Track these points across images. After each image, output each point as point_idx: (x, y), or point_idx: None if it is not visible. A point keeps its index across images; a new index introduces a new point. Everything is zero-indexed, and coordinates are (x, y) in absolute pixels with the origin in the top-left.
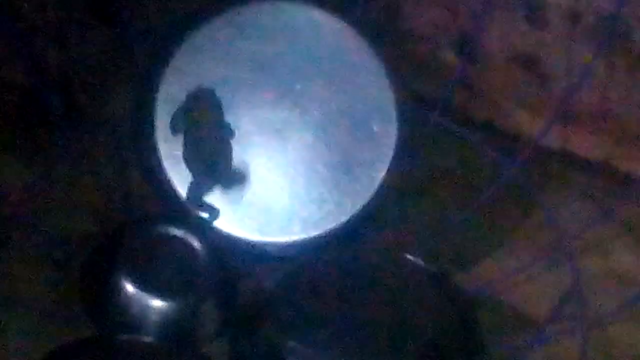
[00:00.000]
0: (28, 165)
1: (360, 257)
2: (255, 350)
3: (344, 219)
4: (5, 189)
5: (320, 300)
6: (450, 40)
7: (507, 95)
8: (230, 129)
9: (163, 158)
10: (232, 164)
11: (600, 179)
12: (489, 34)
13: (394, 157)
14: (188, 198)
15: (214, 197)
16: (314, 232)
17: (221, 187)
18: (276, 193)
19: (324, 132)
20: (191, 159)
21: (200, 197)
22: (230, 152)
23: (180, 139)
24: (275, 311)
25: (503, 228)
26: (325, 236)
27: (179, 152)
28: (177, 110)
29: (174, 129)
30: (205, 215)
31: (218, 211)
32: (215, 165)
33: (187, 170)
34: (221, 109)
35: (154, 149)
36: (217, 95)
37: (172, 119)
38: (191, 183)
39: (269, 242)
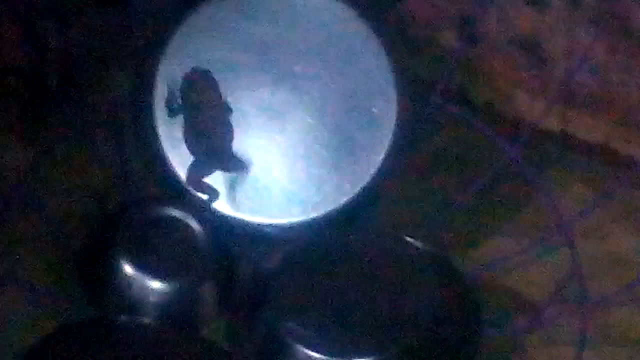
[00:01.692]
0: (27, 145)
1: (360, 239)
2: (253, 332)
3: (343, 201)
4: (4, 169)
5: (320, 282)
6: (450, 23)
7: (507, 78)
8: (229, 107)
9: (162, 139)
10: (232, 143)
11: (600, 161)
12: (489, 16)
13: (393, 139)
14: (188, 179)
15: (214, 179)
16: (313, 214)
17: (221, 167)
18: (275, 175)
19: (323, 114)
20: (191, 139)
21: (200, 178)
22: (230, 131)
23: (179, 120)
24: (274, 293)
25: (502, 210)
26: (324, 218)
27: (178, 133)
28: (173, 92)
29: (171, 111)
30: (204, 196)
31: (217, 193)
32: (215, 144)
33: (186, 151)
34: (218, 88)
35: (152, 130)
36: (213, 74)
37: (168, 101)
38: (191, 164)
39: (268, 224)
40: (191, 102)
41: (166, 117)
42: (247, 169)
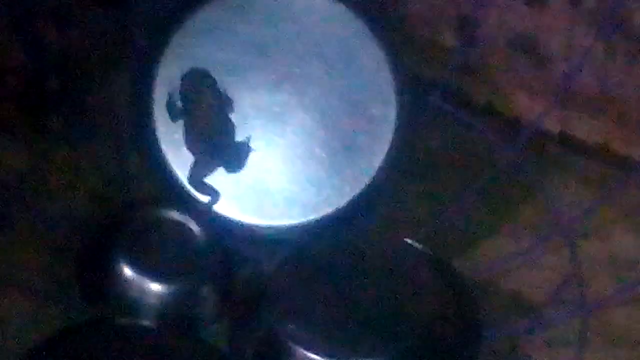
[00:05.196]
0: (27, 148)
1: (359, 241)
2: (254, 334)
3: (343, 202)
4: (3, 172)
5: (319, 284)
6: (449, 23)
7: (506, 79)
8: (229, 105)
9: (162, 141)
10: (234, 140)
11: (599, 162)
12: (489, 17)
13: (393, 141)
14: (189, 180)
15: (214, 180)
16: (312, 216)
17: (223, 166)
18: (275, 177)
19: (323, 116)
20: (191, 140)
21: (202, 179)
22: (232, 129)
23: (179, 122)
24: (274, 295)
25: (502, 212)
26: (324, 220)
27: (178, 135)
28: (173, 94)
29: (172, 114)
30: (205, 198)
31: (218, 194)
32: (216, 143)
33: (186, 153)
34: (217, 87)
35: (152, 132)
36: (212, 74)
37: (168, 103)
38: (192, 164)
39: (268, 226)
40: (190, 102)
41: (166, 119)
42: (245, 169)
